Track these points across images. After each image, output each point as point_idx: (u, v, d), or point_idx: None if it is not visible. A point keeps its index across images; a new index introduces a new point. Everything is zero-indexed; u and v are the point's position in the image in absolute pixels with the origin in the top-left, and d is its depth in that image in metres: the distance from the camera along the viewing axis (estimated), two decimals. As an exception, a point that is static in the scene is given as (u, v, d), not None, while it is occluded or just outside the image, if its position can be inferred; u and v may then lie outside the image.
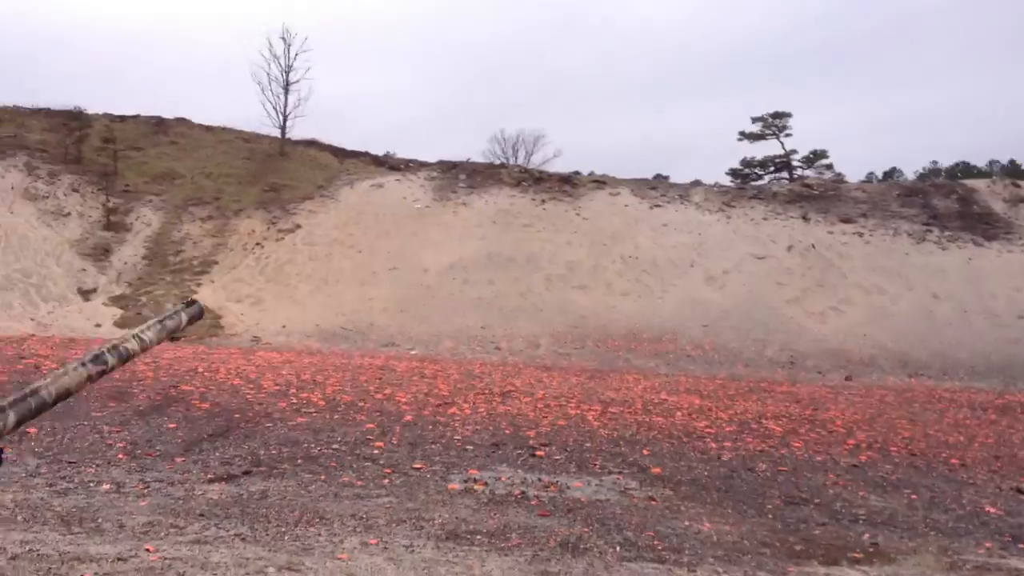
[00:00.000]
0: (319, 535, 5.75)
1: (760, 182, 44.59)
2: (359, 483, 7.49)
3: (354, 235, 27.34)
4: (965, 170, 47.49)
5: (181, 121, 35.55)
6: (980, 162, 49.96)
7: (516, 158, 46.29)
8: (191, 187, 30.22)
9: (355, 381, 13.63)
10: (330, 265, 25.43)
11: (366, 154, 36.57)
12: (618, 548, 5.85)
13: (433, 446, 9.20)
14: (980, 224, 31.30)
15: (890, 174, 48.59)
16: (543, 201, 31.05)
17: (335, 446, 8.91)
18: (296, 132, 36.98)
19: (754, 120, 49.83)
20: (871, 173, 48.33)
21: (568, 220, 29.53)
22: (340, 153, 35.99)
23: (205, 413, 10.32)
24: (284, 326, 21.93)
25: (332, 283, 24.55)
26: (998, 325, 23.60)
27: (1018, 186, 35.63)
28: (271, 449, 8.65)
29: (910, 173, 49.14)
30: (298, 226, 28.11)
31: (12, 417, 0.99)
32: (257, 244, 27.01)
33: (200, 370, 14.12)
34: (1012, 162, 48.36)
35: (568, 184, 33.19)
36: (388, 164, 35.57)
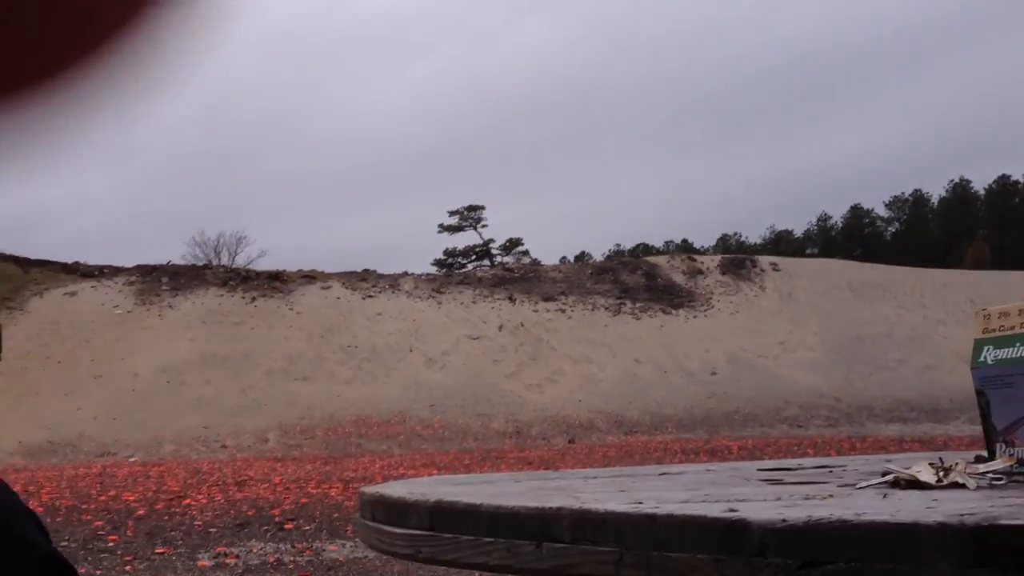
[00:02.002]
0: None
1: (464, 270, 46.19)
2: (98, 572, 6.96)
3: (50, 345, 25.36)
4: (645, 249, 51.77)
5: None
6: (657, 242, 54.76)
7: (220, 259, 44.99)
8: None
9: (73, 488, 12.58)
10: (27, 378, 23.33)
11: (54, 263, 34.12)
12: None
13: (173, 533, 8.70)
14: (666, 295, 34.09)
15: (580, 257, 52.03)
16: (254, 299, 30.36)
17: (63, 544, 8.18)
18: (-28, 244, 33.88)
19: (451, 213, 51.86)
20: (564, 257, 51.50)
21: (281, 315, 29.05)
22: (25, 263, 33.35)
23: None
24: (-24, 448, 19.82)
25: (31, 396, 22.53)
26: (695, 383, 25.73)
27: (693, 260, 39.33)
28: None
29: (598, 255, 52.88)
30: (-17, 341, 25.66)
31: None
32: (-66, 364, 24.34)
33: None
34: (685, 240, 53.42)
35: (278, 280, 32.69)
36: (80, 271, 33.35)
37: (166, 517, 9.65)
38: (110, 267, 34.49)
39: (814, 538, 1.10)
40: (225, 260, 45.43)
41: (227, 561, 7.25)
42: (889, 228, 65.18)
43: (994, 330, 2.06)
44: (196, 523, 9.24)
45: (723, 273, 36.84)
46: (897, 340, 29.98)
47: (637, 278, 35.95)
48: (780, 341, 29.45)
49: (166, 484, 12.79)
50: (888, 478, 1.63)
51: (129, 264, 34.08)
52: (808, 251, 57.05)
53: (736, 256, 42.48)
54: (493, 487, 1.89)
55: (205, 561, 7.27)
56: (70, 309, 28.36)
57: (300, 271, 36.11)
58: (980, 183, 67.05)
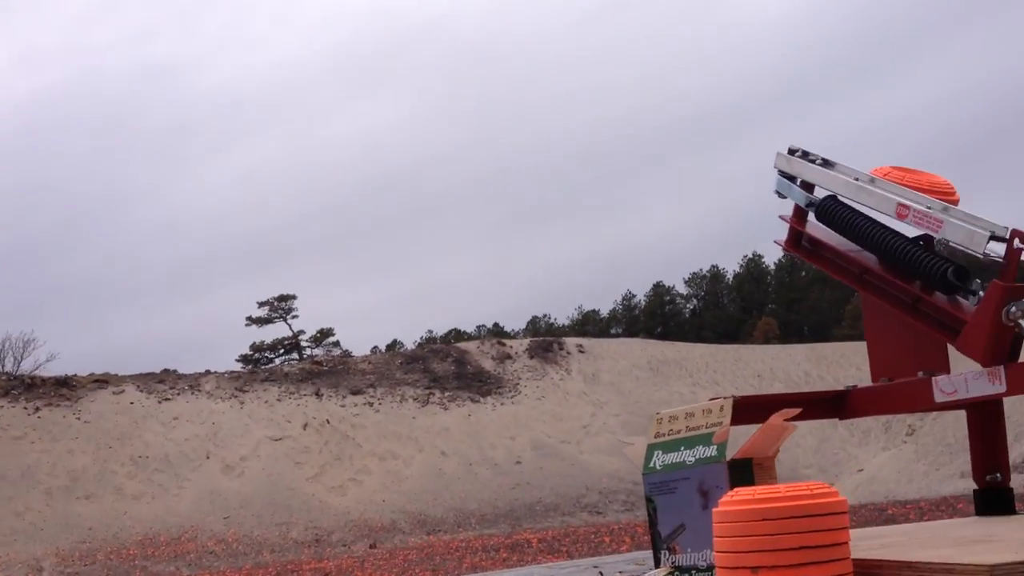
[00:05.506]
0: None
1: (272, 365, 45.05)
2: None
3: None
4: (457, 335, 52.10)
5: None
6: (470, 328, 55.27)
7: (3, 366, 41.95)
8: None
9: None
10: None
11: None
12: None
13: None
14: (475, 382, 34.25)
15: (392, 346, 51.82)
16: (37, 408, 28.47)
17: None
18: None
19: (260, 304, 50.65)
20: (375, 347, 51.15)
21: (68, 426, 27.33)
22: None
23: None
24: None
25: None
26: (500, 474, 25.78)
27: (503, 344, 39.84)
28: None
29: (410, 343, 52.81)
30: None
31: None
32: None
33: None
34: (496, 325, 54.11)
35: (66, 387, 30.81)
36: None
37: None
38: None
39: None
40: (10, 366, 42.32)
41: None
42: (688, 305, 68.20)
43: (664, 435, 2.03)
44: None
45: (531, 357, 37.36)
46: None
47: (447, 366, 35.95)
48: (583, 425, 30.04)
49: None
50: None
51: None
52: (613, 331, 58.91)
53: (544, 339, 43.17)
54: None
55: None
56: None
57: (91, 375, 34.16)
58: (771, 258, 69.73)
